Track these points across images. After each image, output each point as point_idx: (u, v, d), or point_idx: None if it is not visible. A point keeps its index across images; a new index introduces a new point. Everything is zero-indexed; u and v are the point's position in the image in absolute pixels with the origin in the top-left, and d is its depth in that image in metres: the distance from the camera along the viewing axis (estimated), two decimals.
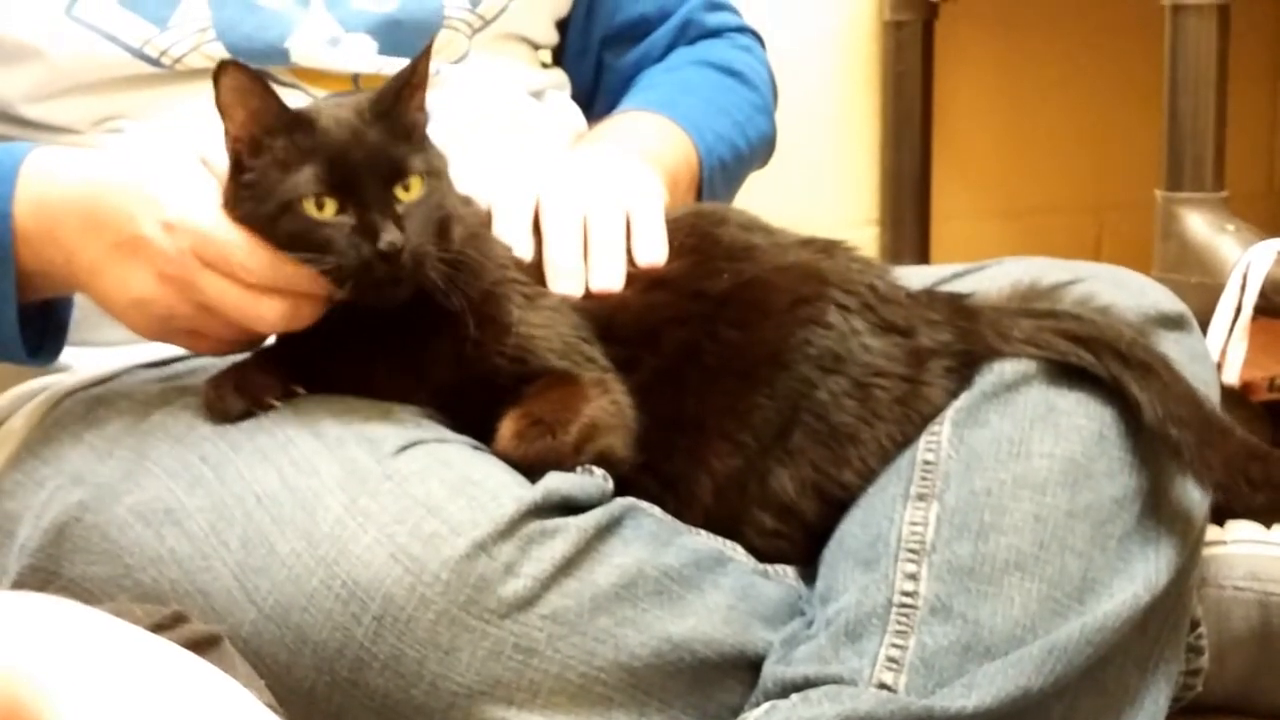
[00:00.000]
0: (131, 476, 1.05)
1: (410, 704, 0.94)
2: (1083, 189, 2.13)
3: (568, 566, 0.97)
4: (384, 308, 1.02)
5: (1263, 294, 1.52)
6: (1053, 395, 1.06)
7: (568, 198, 1.14)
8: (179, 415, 1.08)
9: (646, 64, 1.47)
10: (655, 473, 1.06)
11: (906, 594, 0.99)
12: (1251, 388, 1.71)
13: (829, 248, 1.13)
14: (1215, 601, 1.27)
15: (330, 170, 1.00)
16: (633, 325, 1.09)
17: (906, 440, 1.06)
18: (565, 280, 1.10)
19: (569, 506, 1.00)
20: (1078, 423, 1.04)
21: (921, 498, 1.02)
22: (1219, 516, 1.29)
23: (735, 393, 1.07)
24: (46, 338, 1.15)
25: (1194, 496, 1.07)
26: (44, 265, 1.08)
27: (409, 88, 1.04)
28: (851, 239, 1.16)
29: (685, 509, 1.06)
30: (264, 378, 1.07)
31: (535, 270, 1.11)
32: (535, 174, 1.17)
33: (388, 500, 0.97)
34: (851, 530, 1.04)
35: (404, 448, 1.01)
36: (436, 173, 1.04)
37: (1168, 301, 1.17)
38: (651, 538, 1.01)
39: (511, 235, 1.12)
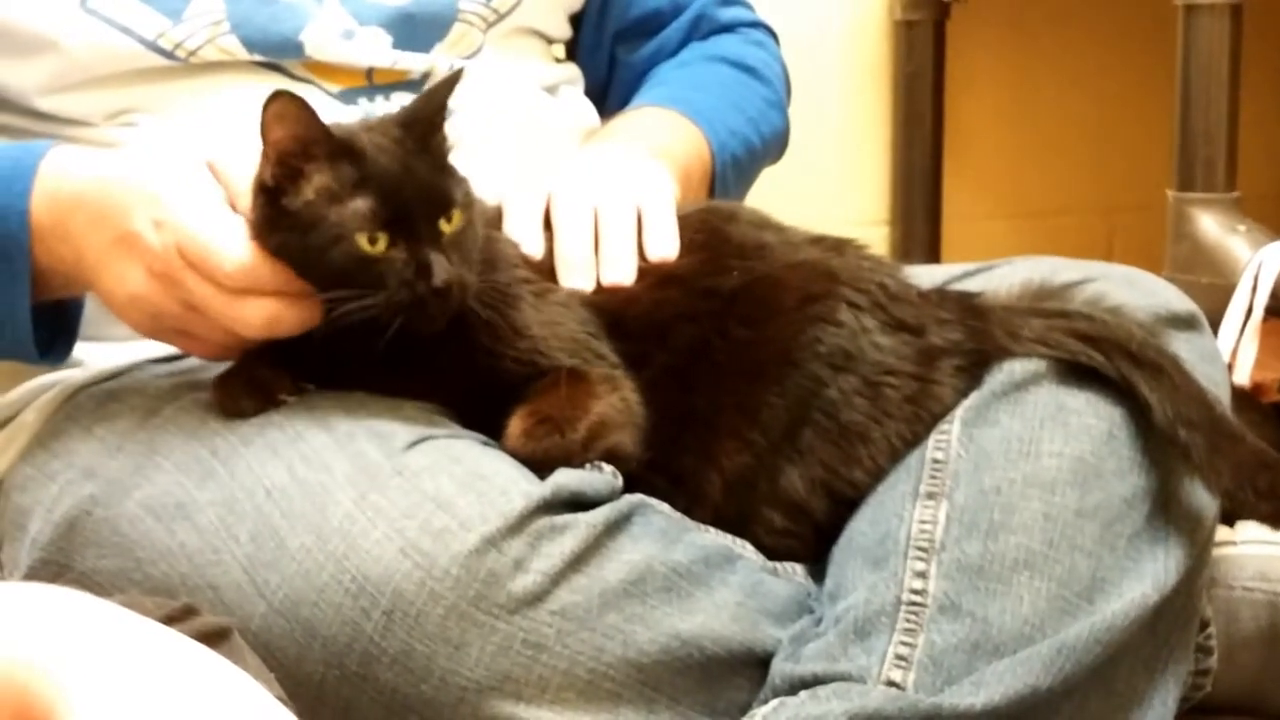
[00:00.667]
0: (142, 471, 1.06)
1: (419, 698, 0.94)
2: (1094, 189, 2.13)
3: (577, 563, 0.97)
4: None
5: (1274, 295, 1.52)
6: (1062, 395, 1.06)
7: (579, 193, 1.14)
8: (190, 410, 1.08)
9: (660, 59, 1.47)
10: (665, 470, 1.06)
11: (915, 592, 0.99)
12: (1262, 389, 1.71)
13: (839, 246, 1.13)
14: (1224, 602, 1.27)
15: (384, 204, 1.00)
16: (642, 322, 1.09)
17: (916, 439, 1.06)
18: (576, 274, 1.10)
19: (578, 503, 1.00)
20: (1087, 422, 1.04)
21: (931, 496, 1.02)
22: (1228, 517, 1.28)
23: (745, 390, 1.07)
24: (57, 338, 1.15)
25: (1203, 497, 1.07)
26: (55, 262, 1.09)
27: (440, 113, 1.04)
28: (862, 238, 1.16)
29: (695, 506, 1.06)
30: (274, 374, 1.07)
31: (546, 268, 1.11)
32: (547, 171, 1.17)
33: (397, 495, 0.97)
34: (860, 528, 1.05)
35: (414, 443, 1.01)
36: (470, 200, 1.05)
37: (1179, 301, 1.17)
38: (661, 534, 1.01)
39: (522, 232, 1.12)
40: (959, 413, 1.06)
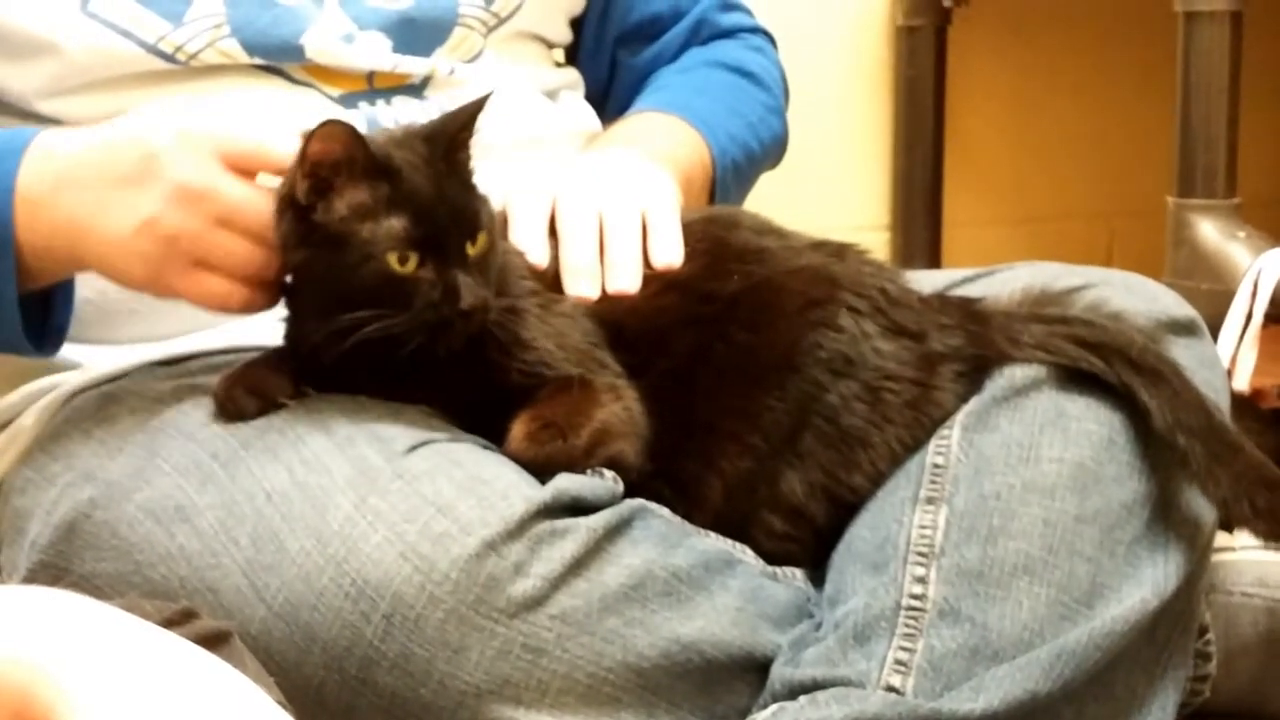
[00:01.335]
0: (142, 473, 1.06)
1: (419, 702, 0.95)
2: (1094, 195, 2.13)
3: (577, 567, 0.97)
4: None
5: (1273, 301, 1.52)
6: (1062, 400, 1.06)
7: (584, 200, 1.14)
8: (189, 412, 1.08)
9: (660, 64, 1.47)
10: (665, 475, 1.06)
11: (915, 597, 0.99)
12: (1262, 395, 1.71)
13: (840, 251, 1.13)
14: (1223, 607, 1.27)
15: (416, 224, 1.00)
16: (644, 328, 1.09)
17: (916, 444, 1.06)
18: (582, 282, 1.10)
19: (579, 507, 1.00)
20: (1087, 428, 1.04)
21: (930, 501, 1.02)
22: (1227, 523, 1.28)
23: (746, 395, 1.07)
24: (46, 333, 1.15)
25: (1203, 503, 1.07)
26: (46, 237, 1.08)
27: (467, 131, 1.04)
28: (863, 243, 1.16)
29: (695, 511, 1.06)
30: (275, 377, 1.07)
31: (550, 274, 1.11)
32: (551, 177, 1.17)
33: (397, 499, 0.97)
34: (860, 533, 1.04)
35: (414, 447, 1.01)
36: (492, 220, 1.05)
37: (1178, 307, 1.17)
38: (661, 539, 1.01)
39: (528, 240, 1.12)
40: (959, 418, 1.06)
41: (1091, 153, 2.12)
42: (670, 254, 1.11)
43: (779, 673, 0.98)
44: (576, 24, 1.46)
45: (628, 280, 1.10)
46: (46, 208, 1.07)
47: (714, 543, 1.04)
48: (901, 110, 2.05)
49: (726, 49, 1.49)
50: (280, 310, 1.09)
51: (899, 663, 0.97)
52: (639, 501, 1.02)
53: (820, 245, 1.13)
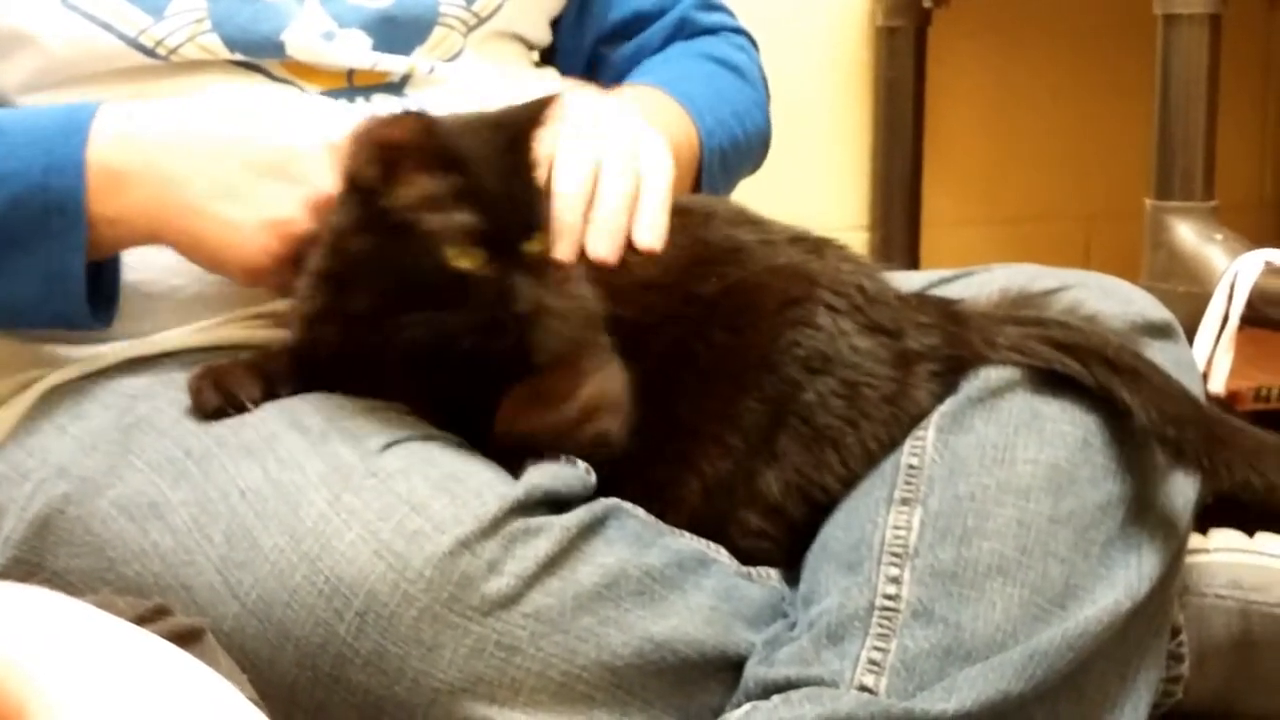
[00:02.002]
0: (116, 470, 1.05)
1: (392, 700, 0.94)
2: (1072, 197, 2.14)
3: (551, 565, 0.97)
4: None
5: (1250, 304, 1.53)
6: (1037, 402, 1.06)
7: (583, 150, 1.13)
8: (164, 410, 1.08)
9: (643, 56, 1.47)
10: (641, 479, 1.06)
11: (889, 597, 0.99)
12: (1237, 398, 1.71)
13: (819, 246, 1.13)
14: (1197, 609, 1.27)
15: (482, 219, 0.97)
16: (627, 328, 1.09)
17: (891, 443, 1.06)
18: (564, 243, 1.08)
19: (552, 502, 1.00)
20: (1062, 429, 1.05)
21: (905, 502, 1.03)
22: (1202, 524, 1.29)
23: (726, 396, 1.07)
24: (99, 303, 1.14)
25: (1177, 504, 1.08)
26: (127, 210, 1.08)
27: (536, 128, 1.01)
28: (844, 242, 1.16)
29: (670, 511, 1.06)
30: (249, 378, 1.07)
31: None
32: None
33: (371, 497, 0.97)
34: (835, 533, 1.05)
35: (388, 445, 1.01)
36: (546, 220, 1.03)
37: (1154, 310, 1.17)
38: (635, 538, 1.01)
39: None
40: (934, 419, 1.06)
41: (1070, 154, 2.12)
42: (653, 237, 1.11)
43: (753, 672, 0.98)
44: (555, 24, 1.46)
45: (608, 249, 1.09)
46: (134, 180, 1.08)
47: (688, 542, 1.04)
48: (881, 111, 2.05)
49: (711, 43, 1.49)
50: (256, 307, 1.09)
51: (872, 662, 0.97)
52: (613, 500, 1.02)
53: (799, 240, 1.13)
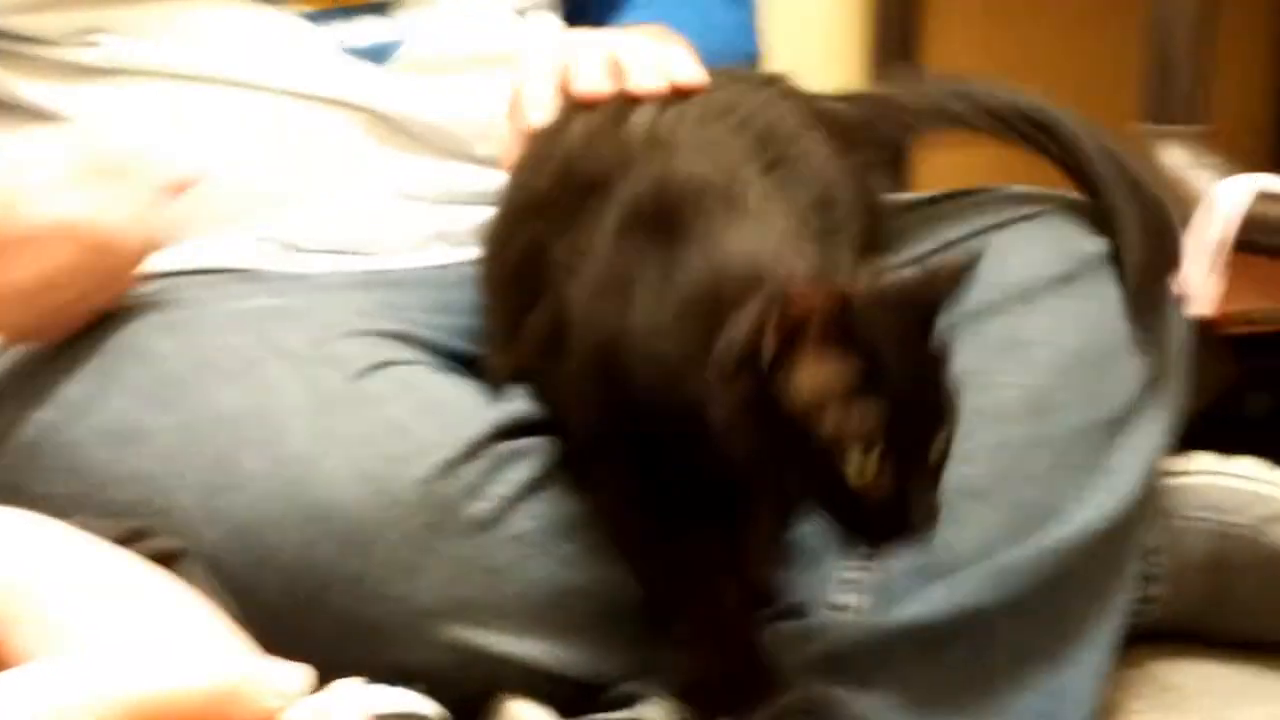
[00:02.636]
0: (97, 396, 1.05)
1: (374, 624, 0.95)
2: None
3: (534, 489, 0.97)
4: None
5: (1242, 229, 1.53)
6: (1017, 325, 1.06)
7: (597, 45, 1.10)
8: (146, 334, 1.08)
9: None
10: None
11: None
12: (1225, 321, 1.72)
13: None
14: (1174, 531, 1.28)
15: (889, 419, 0.80)
16: None
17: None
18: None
19: (536, 426, 1.00)
20: (1042, 354, 1.05)
21: None
22: (1180, 447, 1.30)
23: None
24: None
25: (1155, 428, 1.08)
26: None
27: (946, 300, 0.84)
28: None
29: None
30: None
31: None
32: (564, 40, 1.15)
33: (354, 422, 0.97)
34: None
35: (371, 369, 1.01)
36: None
37: None
38: None
39: (532, 96, 1.08)
40: None
41: (1063, 76, 2.09)
42: (694, 71, 1.06)
43: None
44: None
45: (651, 83, 1.04)
46: None
47: None
48: (876, 31, 2.03)
49: None
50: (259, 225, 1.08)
51: (849, 582, 0.98)
52: None
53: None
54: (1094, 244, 1.12)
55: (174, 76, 1.17)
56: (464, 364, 1.09)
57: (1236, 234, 1.52)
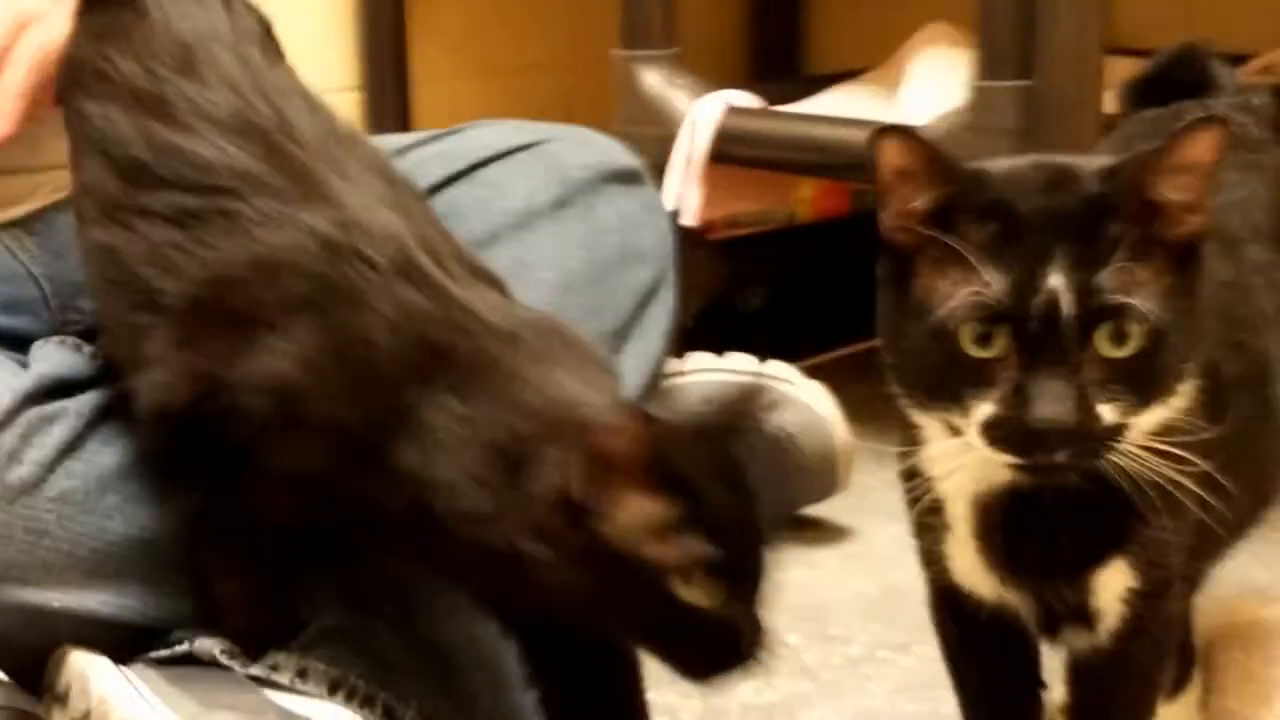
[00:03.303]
0: None
1: None
2: (554, 46, 2.18)
3: (69, 450, 0.99)
4: None
5: (716, 141, 1.64)
6: (522, 251, 1.13)
7: None
8: None
9: None
10: None
11: None
12: (711, 226, 1.85)
13: None
14: None
15: (716, 548, 0.79)
16: None
17: None
18: None
19: (64, 388, 1.01)
20: (546, 275, 1.13)
21: None
22: (681, 348, 1.39)
23: None
24: None
25: (655, 333, 1.18)
26: None
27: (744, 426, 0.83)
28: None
29: None
30: None
31: None
32: None
33: None
34: None
35: None
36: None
37: (625, 158, 1.25)
38: None
39: None
40: None
41: (553, 4, 2.16)
42: None
43: None
44: None
45: None
46: None
47: None
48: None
49: None
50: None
51: None
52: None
53: None
54: (584, 169, 1.20)
55: None
56: None
57: (712, 147, 1.64)
